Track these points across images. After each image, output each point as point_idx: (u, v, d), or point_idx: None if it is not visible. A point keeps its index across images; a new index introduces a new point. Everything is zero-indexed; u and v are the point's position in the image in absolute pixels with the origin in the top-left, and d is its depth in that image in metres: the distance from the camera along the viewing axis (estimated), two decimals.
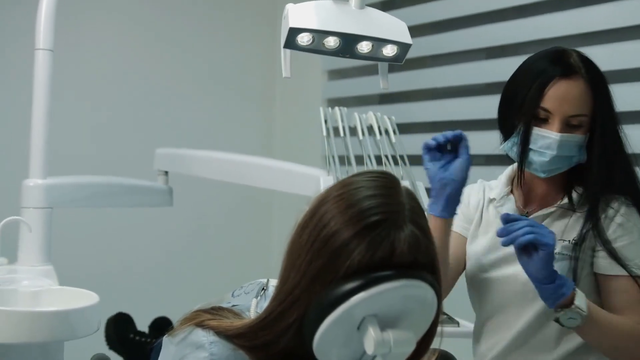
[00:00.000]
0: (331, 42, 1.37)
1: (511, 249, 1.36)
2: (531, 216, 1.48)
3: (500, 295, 1.48)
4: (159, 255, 3.12)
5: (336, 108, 1.87)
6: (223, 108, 3.33)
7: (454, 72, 2.68)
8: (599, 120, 1.42)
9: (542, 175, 1.45)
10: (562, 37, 2.30)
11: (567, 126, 1.41)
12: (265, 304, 1.04)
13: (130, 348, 2.43)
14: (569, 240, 1.43)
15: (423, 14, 2.79)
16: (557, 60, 1.43)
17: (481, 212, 1.57)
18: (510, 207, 1.52)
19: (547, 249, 1.30)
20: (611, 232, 1.41)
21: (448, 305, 1.56)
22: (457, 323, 1.56)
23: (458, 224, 1.55)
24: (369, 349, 0.91)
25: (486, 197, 1.57)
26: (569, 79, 1.40)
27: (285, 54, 1.38)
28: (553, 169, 1.44)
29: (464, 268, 1.56)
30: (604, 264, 1.41)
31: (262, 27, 3.37)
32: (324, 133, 1.79)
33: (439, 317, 1.01)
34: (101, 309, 1.50)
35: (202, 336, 1.02)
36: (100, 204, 2.03)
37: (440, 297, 0.97)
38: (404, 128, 2.81)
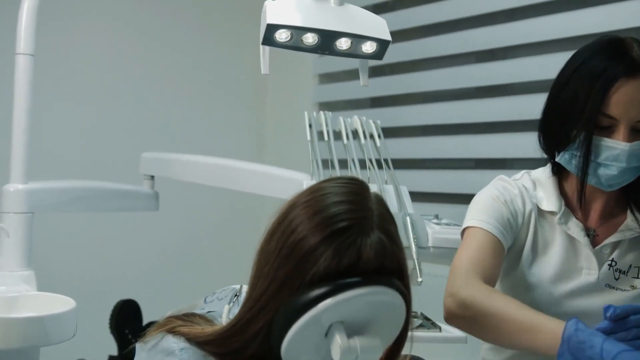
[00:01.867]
0: (309, 38, 1.34)
1: (585, 279, 1.29)
2: (601, 244, 1.35)
3: None
4: (146, 260, 3.09)
5: (321, 112, 1.87)
6: (214, 111, 3.32)
7: (445, 76, 2.67)
8: None
9: (608, 189, 1.31)
10: (553, 40, 2.29)
11: (634, 131, 1.25)
12: (237, 310, 1.03)
13: (122, 341, 2.43)
14: None
15: (413, 17, 2.78)
16: (617, 56, 1.24)
17: (534, 226, 1.38)
18: (575, 225, 1.36)
19: None
20: None
21: (430, 310, 1.56)
22: (439, 328, 1.54)
23: (492, 223, 1.33)
24: (336, 356, 0.91)
25: (533, 207, 1.38)
26: (635, 78, 1.23)
27: (264, 51, 1.37)
28: (620, 182, 1.29)
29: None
30: None
31: (253, 29, 3.32)
32: (308, 137, 1.79)
33: (409, 324, 1.00)
34: (78, 315, 1.48)
35: (173, 342, 1.02)
36: (84, 208, 2.01)
37: (409, 303, 0.96)
38: (395, 132, 2.82)
